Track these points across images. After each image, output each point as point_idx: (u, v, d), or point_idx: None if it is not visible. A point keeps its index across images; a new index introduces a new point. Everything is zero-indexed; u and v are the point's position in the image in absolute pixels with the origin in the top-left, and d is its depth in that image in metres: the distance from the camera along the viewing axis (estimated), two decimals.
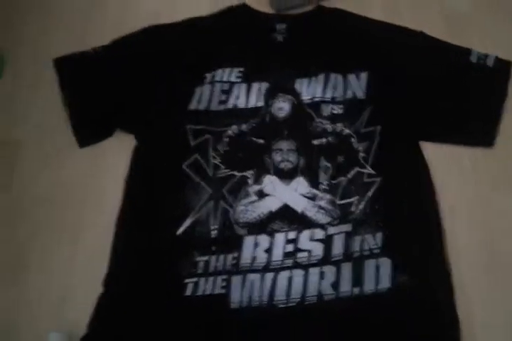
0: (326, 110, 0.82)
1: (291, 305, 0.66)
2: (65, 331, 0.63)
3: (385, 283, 0.67)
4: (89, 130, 0.84)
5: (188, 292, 0.67)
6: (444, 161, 0.79)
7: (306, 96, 0.83)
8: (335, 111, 0.82)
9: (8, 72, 0.91)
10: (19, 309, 0.70)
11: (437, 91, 0.84)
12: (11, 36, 0.94)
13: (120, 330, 0.67)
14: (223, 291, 0.67)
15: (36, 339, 0.63)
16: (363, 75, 0.85)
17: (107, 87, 0.86)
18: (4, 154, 0.83)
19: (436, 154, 0.79)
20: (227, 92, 0.84)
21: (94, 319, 0.67)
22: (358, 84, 0.84)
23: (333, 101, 0.83)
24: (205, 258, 0.69)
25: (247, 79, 0.85)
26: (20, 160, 0.82)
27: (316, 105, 0.82)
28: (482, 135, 0.81)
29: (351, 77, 0.85)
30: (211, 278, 0.68)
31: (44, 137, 0.84)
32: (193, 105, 0.83)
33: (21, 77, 0.90)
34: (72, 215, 0.77)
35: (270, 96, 0.84)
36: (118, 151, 0.81)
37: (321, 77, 0.85)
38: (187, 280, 0.68)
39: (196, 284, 0.68)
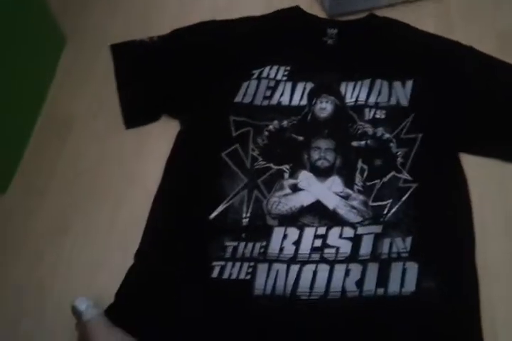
0: (369, 114, 0.83)
1: (313, 297, 0.67)
2: (95, 294, 0.65)
3: (410, 286, 0.67)
4: (137, 113, 0.88)
5: (215, 274, 0.69)
6: (483, 175, 0.78)
7: (349, 99, 0.85)
8: (377, 116, 0.83)
9: (68, 52, 0.95)
10: (56, 271, 0.73)
11: (483, 106, 0.84)
12: (73, 18, 0.98)
13: (145, 304, 0.68)
14: (248, 277, 0.68)
15: (67, 300, 0.65)
16: (409, 83, 0.86)
17: (159, 75, 0.89)
18: (58, 127, 0.87)
19: (476, 167, 0.79)
20: (273, 89, 0.86)
21: (122, 289, 0.69)
22: (402, 92, 0.85)
23: (376, 106, 0.84)
24: (234, 243, 0.71)
25: (293, 78, 0.87)
26: (72, 133, 0.86)
27: (358, 108, 0.83)
28: None
29: (397, 84, 0.86)
30: (238, 264, 0.69)
31: (96, 114, 0.88)
32: (238, 98, 0.85)
33: (80, 58, 0.95)
34: (113, 189, 0.80)
35: (314, 96, 0.85)
36: (162, 135, 0.83)
37: (367, 81, 0.86)
38: (214, 263, 0.69)
39: (223, 267, 0.69)
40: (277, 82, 0.86)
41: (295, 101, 0.85)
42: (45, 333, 0.68)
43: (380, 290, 0.67)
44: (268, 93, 0.85)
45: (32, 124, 0.87)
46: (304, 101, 0.84)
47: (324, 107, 0.84)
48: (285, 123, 0.82)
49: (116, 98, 0.88)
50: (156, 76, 0.89)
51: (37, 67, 0.89)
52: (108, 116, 0.87)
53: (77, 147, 0.85)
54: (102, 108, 0.88)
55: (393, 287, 0.67)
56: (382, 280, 0.68)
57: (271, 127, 0.82)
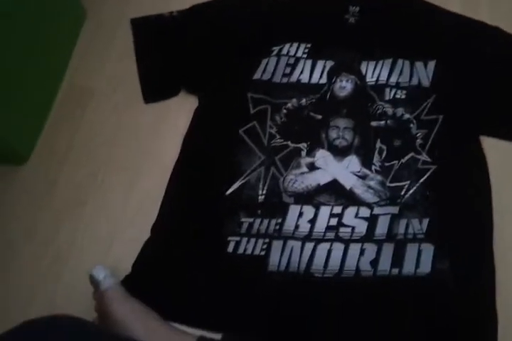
0: (389, 94, 0.82)
1: (327, 275, 0.67)
2: (111, 267, 0.65)
3: (425, 267, 0.67)
4: (155, 88, 0.87)
5: (230, 249, 0.69)
6: (503, 158, 0.77)
7: (370, 79, 0.83)
8: (397, 96, 0.81)
9: (88, 26, 0.94)
10: (72, 243, 0.74)
11: (507, 88, 0.82)
12: None
13: (161, 276, 0.69)
14: (263, 253, 0.68)
15: (82, 271, 0.66)
16: (431, 64, 0.84)
17: (178, 50, 0.89)
18: (78, 100, 0.87)
19: (496, 150, 0.77)
20: (292, 66, 0.85)
21: (138, 261, 0.70)
22: (424, 72, 0.83)
23: (397, 85, 0.82)
24: (250, 220, 0.71)
25: (314, 55, 0.86)
26: (92, 106, 0.86)
27: (379, 88, 0.82)
28: None
29: (419, 65, 0.84)
30: (253, 240, 0.69)
31: (116, 88, 0.87)
32: (257, 75, 0.84)
33: (100, 32, 0.94)
34: (131, 162, 0.80)
35: (334, 74, 0.84)
36: (181, 110, 0.83)
37: (389, 61, 0.84)
38: (230, 238, 0.70)
39: (238, 243, 0.69)
40: (297, 60, 0.85)
41: (314, 80, 0.83)
42: (62, 302, 0.69)
43: (395, 271, 0.67)
44: (287, 70, 0.84)
45: (53, 97, 0.87)
46: (324, 80, 0.83)
47: (344, 86, 0.83)
48: (304, 101, 0.81)
49: (135, 73, 0.88)
50: (175, 51, 0.89)
51: (58, 40, 0.89)
52: (127, 90, 0.87)
53: (95, 121, 0.85)
54: (121, 82, 0.88)
55: (408, 268, 0.67)
56: (397, 260, 0.67)
57: (289, 105, 0.81)
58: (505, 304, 0.66)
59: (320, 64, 0.85)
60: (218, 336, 0.62)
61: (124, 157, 0.81)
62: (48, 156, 0.82)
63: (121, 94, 0.87)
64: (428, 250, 0.68)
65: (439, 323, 0.64)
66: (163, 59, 0.89)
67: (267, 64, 0.85)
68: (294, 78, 0.84)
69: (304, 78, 0.84)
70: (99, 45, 0.92)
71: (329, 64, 0.85)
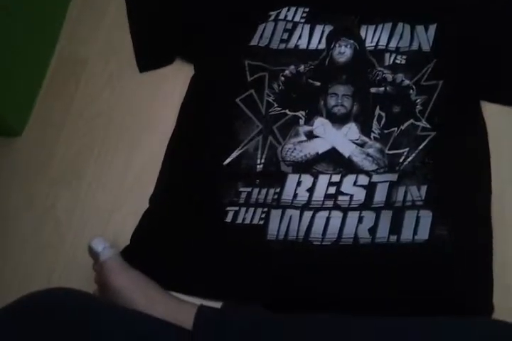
0: (389, 59, 0.80)
1: (325, 243, 0.67)
2: (110, 238, 0.66)
3: (423, 234, 0.67)
4: (150, 56, 0.86)
5: (229, 219, 0.69)
6: (503, 124, 0.76)
7: (369, 43, 0.81)
8: (397, 61, 0.80)
9: None
10: (71, 215, 0.75)
11: (508, 52, 0.80)
12: None
13: (160, 246, 0.70)
14: (261, 222, 0.69)
15: (81, 244, 0.67)
16: (432, 28, 0.82)
17: (173, 16, 0.86)
18: (71, 71, 0.85)
19: (496, 115, 0.76)
20: (290, 32, 0.83)
21: (137, 232, 0.71)
22: (425, 37, 0.81)
23: (397, 50, 0.81)
24: (248, 189, 0.71)
25: (312, 20, 0.84)
26: (85, 77, 0.85)
27: (379, 53, 0.80)
28: None
29: (419, 29, 0.82)
30: (251, 209, 0.69)
31: (109, 57, 0.86)
32: (253, 41, 0.82)
33: (91, 1, 0.91)
34: (127, 133, 0.80)
35: (333, 39, 0.82)
36: (177, 78, 0.82)
37: (388, 25, 0.82)
38: (228, 208, 0.70)
39: (237, 212, 0.69)
40: (295, 25, 0.83)
41: (313, 45, 0.82)
42: (62, 275, 0.70)
43: (393, 238, 0.67)
44: (285, 36, 0.82)
45: (45, 68, 0.85)
46: (322, 45, 0.82)
47: (343, 51, 0.81)
48: (302, 68, 0.80)
49: (128, 43, 0.86)
50: (170, 17, 0.86)
51: (48, 10, 0.86)
52: (120, 61, 0.85)
53: (90, 92, 0.83)
54: (114, 52, 0.86)
55: (406, 234, 0.67)
56: (395, 227, 0.67)
57: (287, 72, 0.80)
58: (501, 268, 0.66)
59: (318, 29, 0.83)
60: (218, 305, 0.63)
61: (120, 128, 0.80)
62: (42, 129, 0.81)
63: (115, 64, 0.85)
64: (426, 217, 0.68)
65: (437, 289, 0.65)
66: (157, 25, 0.87)
67: (264, 29, 0.83)
68: (292, 44, 0.82)
69: (302, 44, 0.82)
70: (92, 13, 0.90)
71: (328, 28, 0.83)
